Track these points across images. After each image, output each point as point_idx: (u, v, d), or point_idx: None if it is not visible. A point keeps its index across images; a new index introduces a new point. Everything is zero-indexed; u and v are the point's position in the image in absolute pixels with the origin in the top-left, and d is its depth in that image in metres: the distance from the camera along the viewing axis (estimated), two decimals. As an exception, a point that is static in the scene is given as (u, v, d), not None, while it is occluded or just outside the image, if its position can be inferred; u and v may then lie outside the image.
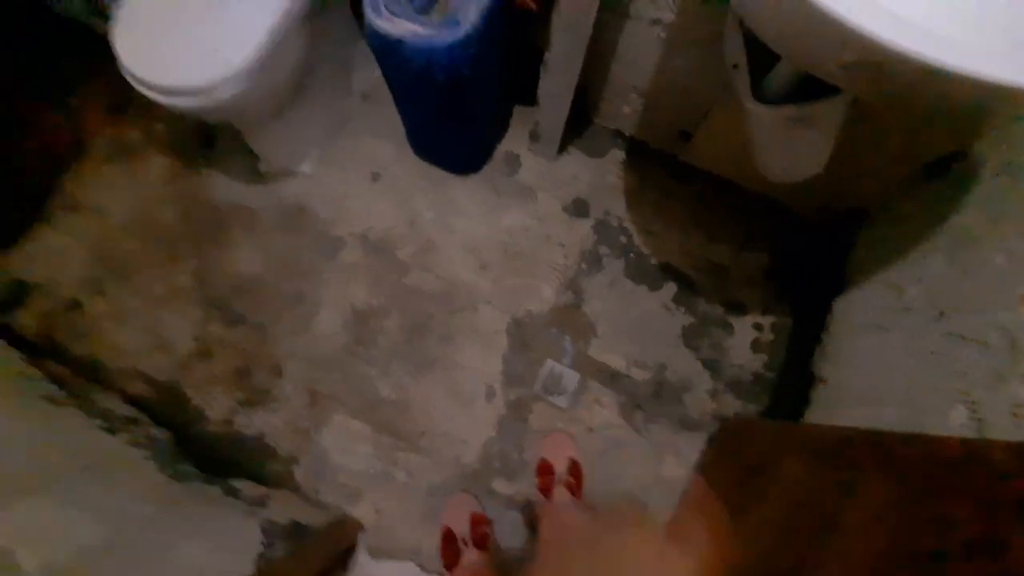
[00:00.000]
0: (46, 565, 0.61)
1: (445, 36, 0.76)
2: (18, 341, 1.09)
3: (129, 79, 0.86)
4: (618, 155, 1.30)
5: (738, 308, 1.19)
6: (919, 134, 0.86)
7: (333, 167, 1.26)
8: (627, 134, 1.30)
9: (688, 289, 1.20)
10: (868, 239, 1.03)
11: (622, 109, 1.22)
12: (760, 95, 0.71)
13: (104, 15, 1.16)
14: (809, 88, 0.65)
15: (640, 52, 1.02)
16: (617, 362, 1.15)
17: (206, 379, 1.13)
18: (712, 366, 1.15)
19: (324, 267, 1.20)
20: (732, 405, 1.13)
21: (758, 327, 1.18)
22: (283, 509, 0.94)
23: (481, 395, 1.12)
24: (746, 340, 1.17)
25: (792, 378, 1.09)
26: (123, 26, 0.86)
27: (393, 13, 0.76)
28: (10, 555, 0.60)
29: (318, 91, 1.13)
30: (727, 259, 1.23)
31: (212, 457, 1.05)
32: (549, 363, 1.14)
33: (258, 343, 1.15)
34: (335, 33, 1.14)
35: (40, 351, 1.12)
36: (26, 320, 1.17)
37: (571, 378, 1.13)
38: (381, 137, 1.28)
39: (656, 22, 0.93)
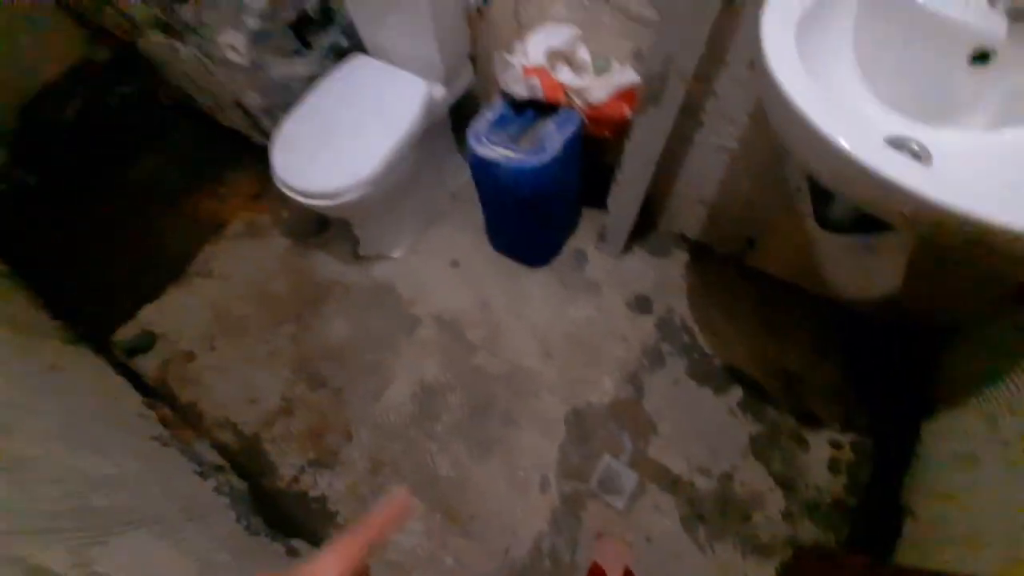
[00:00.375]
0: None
1: (533, 160, 0.91)
2: (138, 383, 1.27)
3: (279, 185, 1.08)
4: (682, 256, 1.35)
5: (813, 421, 1.13)
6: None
7: (420, 254, 1.43)
8: (691, 238, 1.36)
9: (756, 395, 1.17)
10: (955, 360, 0.97)
11: (687, 216, 1.30)
12: (824, 219, 0.75)
13: (261, 130, 1.48)
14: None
15: (705, 171, 1.11)
16: (679, 466, 1.11)
17: (284, 436, 1.23)
18: (785, 483, 1.07)
19: (401, 342, 1.31)
20: (808, 531, 1.03)
21: (836, 444, 1.11)
22: (335, 578, 0.95)
23: (536, 484, 1.12)
24: (823, 458, 1.09)
25: (877, 506, 0.99)
26: (280, 145, 1.11)
27: (492, 143, 0.92)
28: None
29: (419, 192, 1.33)
30: (799, 366, 1.19)
31: (276, 512, 1.10)
32: (606, 458, 1.13)
33: (334, 406, 1.25)
34: (437, 147, 1.36)
35: (155, 394, 1.29)
36: (149, 366, 1.36)
37: (629, 478, 1.10)
38: (464, 230, 1.44)
39: (721, 148, 1.03)
